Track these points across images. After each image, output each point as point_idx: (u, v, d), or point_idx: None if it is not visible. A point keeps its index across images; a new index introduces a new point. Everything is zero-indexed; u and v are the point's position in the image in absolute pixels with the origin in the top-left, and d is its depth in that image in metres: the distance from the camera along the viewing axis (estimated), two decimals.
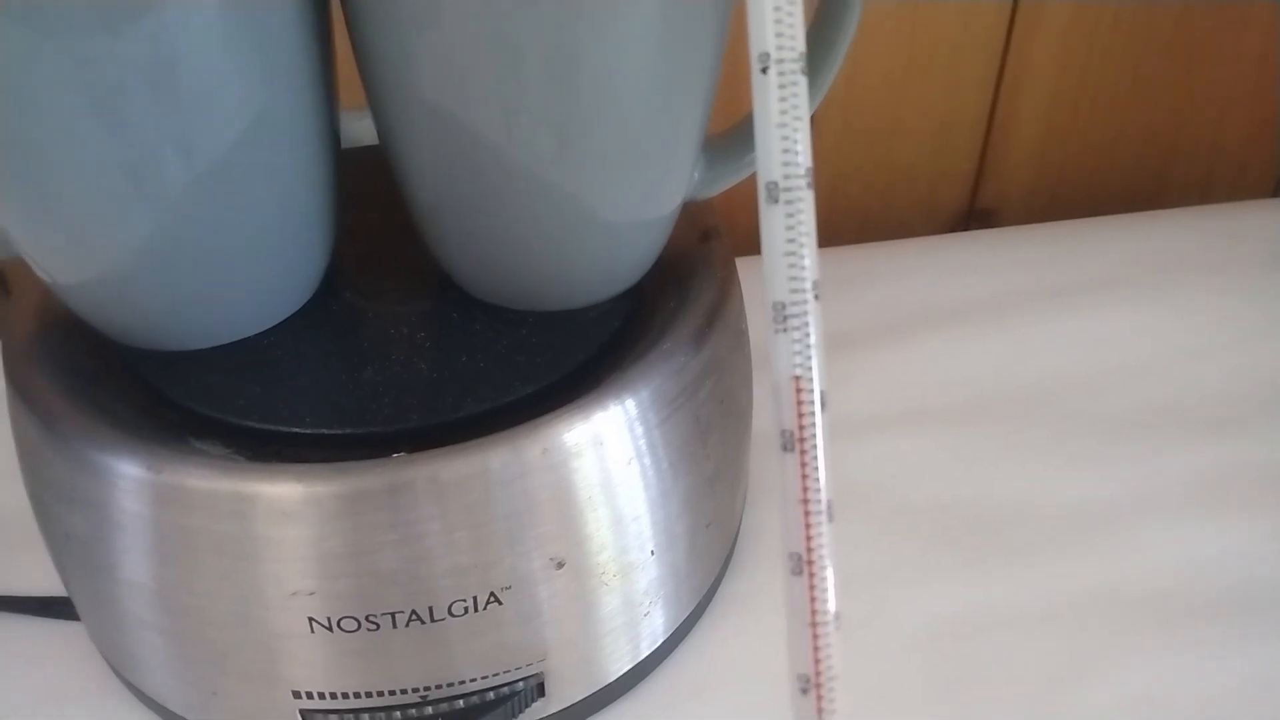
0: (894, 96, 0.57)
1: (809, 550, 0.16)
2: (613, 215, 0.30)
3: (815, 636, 0.16)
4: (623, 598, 0.30)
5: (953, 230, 0.63)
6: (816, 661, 0.16)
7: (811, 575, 0.16)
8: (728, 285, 0.33)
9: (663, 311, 0.32)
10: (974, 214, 0.63)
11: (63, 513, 0.29)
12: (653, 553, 0.31)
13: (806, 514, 0.16)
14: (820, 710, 0.16)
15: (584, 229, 0.30)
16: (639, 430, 0.29)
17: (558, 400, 0.29)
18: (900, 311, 0.50)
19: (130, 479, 0.26)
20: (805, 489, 0.16)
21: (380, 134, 0.30)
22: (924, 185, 0.61)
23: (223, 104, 0.26)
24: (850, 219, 0.62)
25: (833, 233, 0.61)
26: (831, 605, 0.16)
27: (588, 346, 0.31)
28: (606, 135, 0.28)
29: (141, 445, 0.27)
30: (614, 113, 0.27)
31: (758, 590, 0.37)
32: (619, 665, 0.32)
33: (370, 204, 0.34)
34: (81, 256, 0.28)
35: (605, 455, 0.28)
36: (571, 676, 0.31)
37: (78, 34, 0.23)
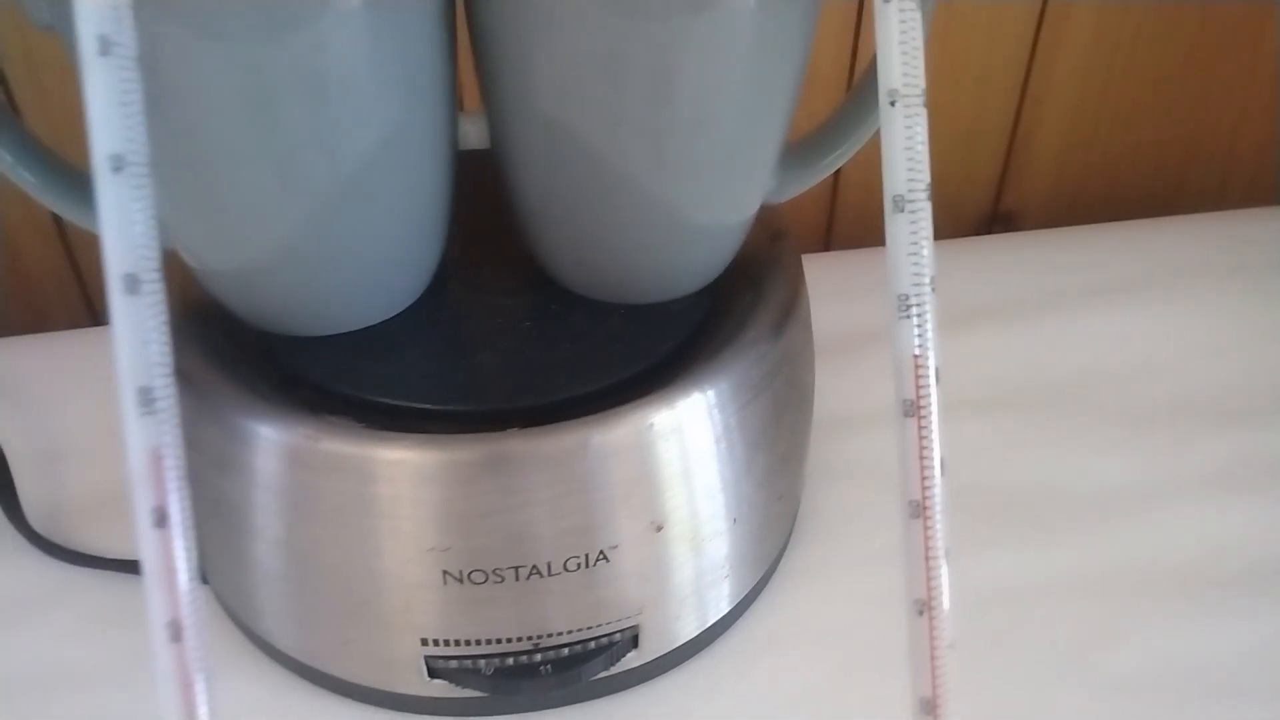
0: None
1: (925, 496, 0.20)
2: (701, 218, 0.33)
3: (929, 566, 0.20)
4: (709, 559, 0.34)
5: (977, 233, 0.66)
6: (930, 586, 0.20)
7: (927, 517, 0.20)
8: (797, 282, 0.37)
9: (739, 305, 0.36)
10: (997, 217, 0.66)
11: (215, 479, 0.32)
12: (735, 521, 0.34)
13: (923, 467, 0.20)
14: (933, 638, 0.20)
15: (675, 230, 0.33)
16: (730, 410, 0.32)
17: (656, 383, 0.32)
18: None
19: (289, 446, 0.30)
20: (922, 447, 0.20)
21: (494, 140, 0.33)
22: (951, 189, 0.64)
23: (366, 110, 0.28)
24: (881, 221, 0.65)
25: (865, 234, 0.64)
26: (942, 542, 0.20)
27: (676, 335, 0.34)
28: (700, 146, 0.31)
29: (300, 415, 0.30)
30: (707, 126, 0.31)
31: (817, 560, 0.40)
32: (701, 621, 0.35)
33: (465, 204, 0.38)
34: (232, 247, 0.31)
35: (699, 433, 0.32)
36: (661, 630, 0.34)
37: (244, 42, 0.26)
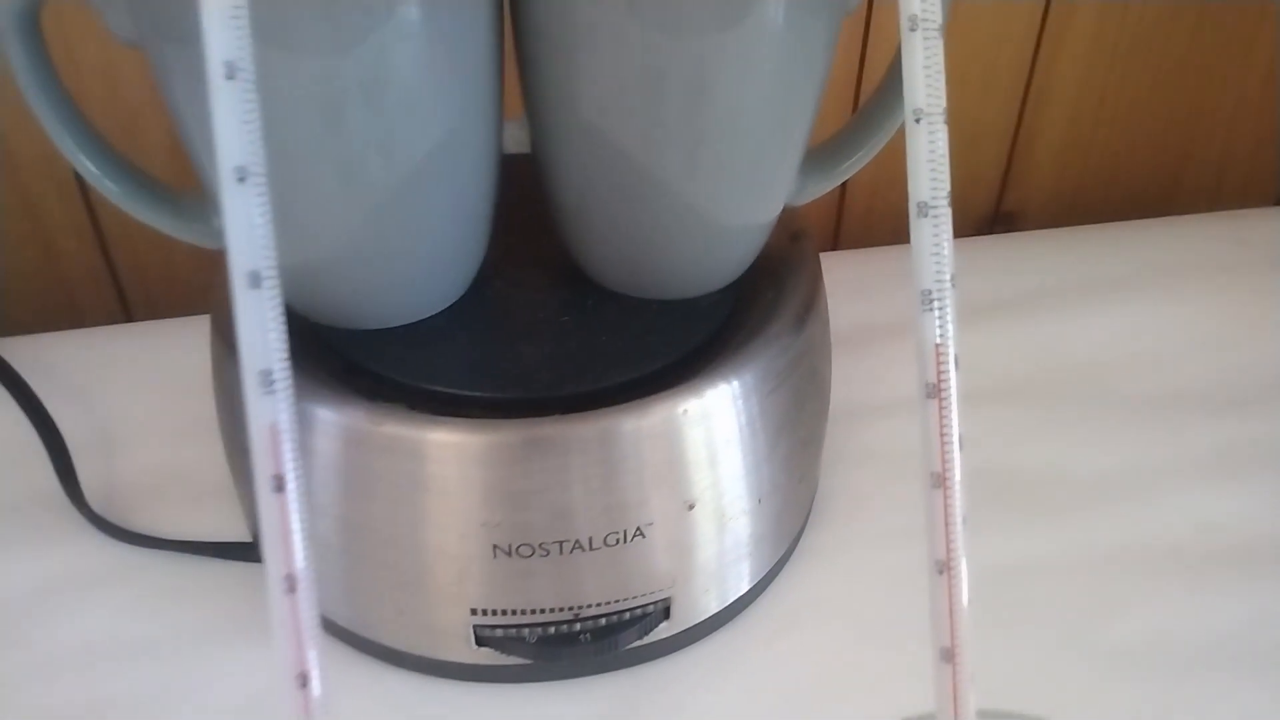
0: None
1: (945, 468, 0.22)
2: (728, 219, 0.36)
3: (949, 530, 0.22)
4: (735, 537, 0.36)
5: (979, 233, 0.68)
6: (950, 548, 0.22)
7: (947, 487, 0.22)
8: (816, 279, 0.39)
9: (763, 300, 0.38)
10: (999, 218, 0.68)
11: None
12: (760, 501, 0.37)
13: (943, 443, 0.22)
14: (951, 594, 0.22)
15: (705, 231, 0.36)
16: (754, 399, 0.35)
17: (686, 373, 0.34)
18: None
19: (349, 429, 0.32)
20: (943, 424, 0.22)
21: (535, 145, 0.35)
22: (954, 190, 0.66)
23: (421, 116, 0.31)
24: (887, 221, 0.67)
25: (872, 234, 0.66)
26: (960, 509, 0.22)
27: (705, 328, 0.37)
28: (730, 152, 0.34)
29: (359, 401, 0.33)
30: (737, 134, 0.33)
31: (833, 540, 0.43)
32: (726, 596, 0.38)
33: (507, 206, 0.40)
34: (294, 245, 0.32)
35: (726, 419, 0.35)
36: (691, 603, 0.37)
37: (312, 53, 0.28)
